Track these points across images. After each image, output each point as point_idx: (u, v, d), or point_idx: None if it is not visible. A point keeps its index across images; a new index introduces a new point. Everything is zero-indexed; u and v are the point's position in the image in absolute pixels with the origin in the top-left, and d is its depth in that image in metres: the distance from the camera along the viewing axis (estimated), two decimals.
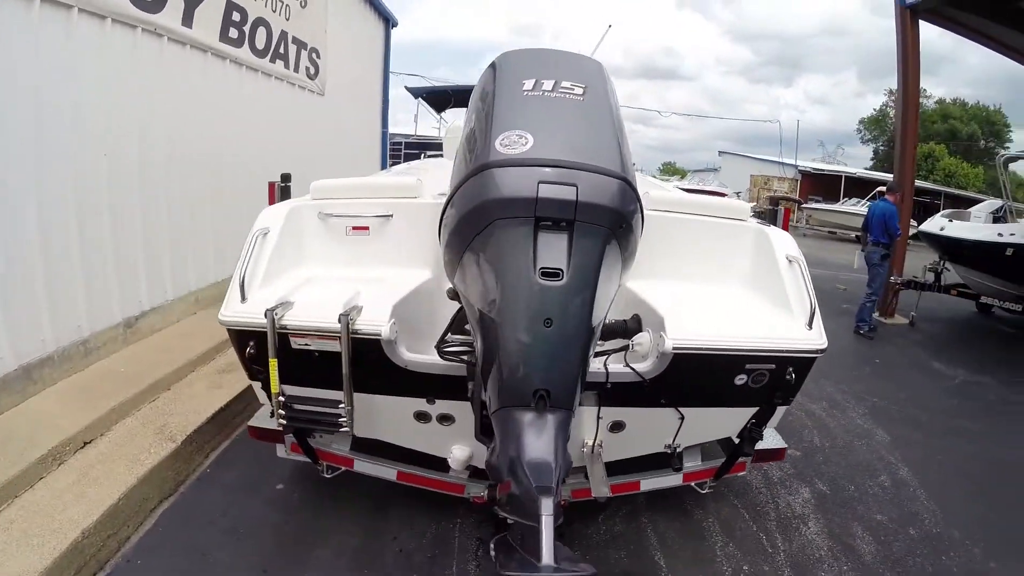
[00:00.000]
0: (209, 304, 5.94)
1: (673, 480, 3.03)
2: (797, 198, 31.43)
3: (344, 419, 2.52)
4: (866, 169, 40.88)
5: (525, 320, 1.70)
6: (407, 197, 3.22)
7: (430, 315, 2.87)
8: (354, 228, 3.15)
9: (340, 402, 2.49)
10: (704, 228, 3.20)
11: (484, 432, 2.34)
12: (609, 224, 1.79)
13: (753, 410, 2.69)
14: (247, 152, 6.65)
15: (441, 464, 2.94)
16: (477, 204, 1.80)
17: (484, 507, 3.09)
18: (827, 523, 3.61)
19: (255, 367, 2.55)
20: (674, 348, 2.32)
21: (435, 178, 3.42)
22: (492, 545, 1.85)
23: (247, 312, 2.49)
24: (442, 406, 2.68)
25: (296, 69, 7.93)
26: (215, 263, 6.22)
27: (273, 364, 2.39)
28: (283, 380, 2.46)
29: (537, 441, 1.67)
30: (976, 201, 12.97)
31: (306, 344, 2.45)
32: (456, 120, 3.63)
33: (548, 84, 2.01)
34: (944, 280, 9.37)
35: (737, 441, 2.84)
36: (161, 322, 5.40)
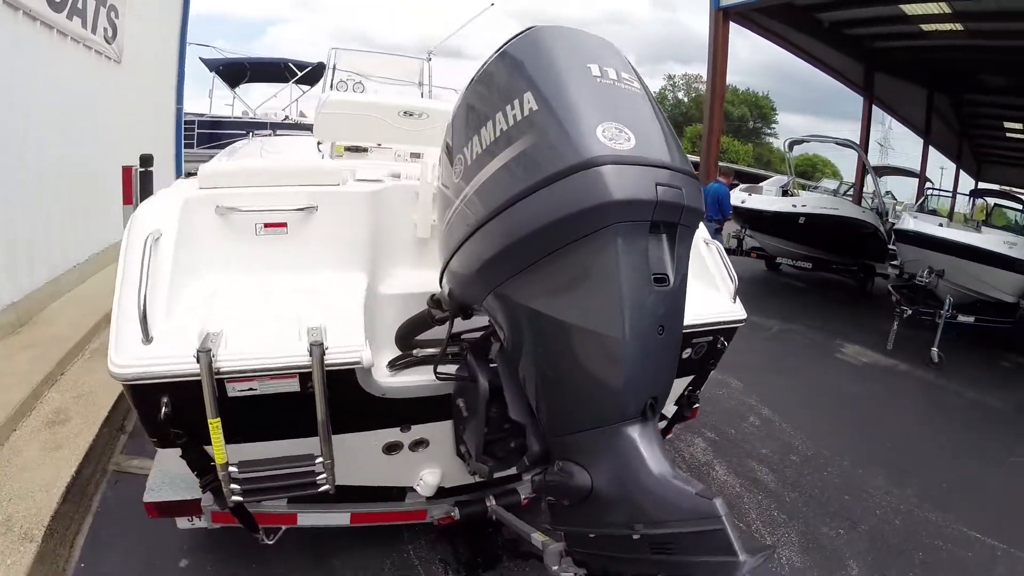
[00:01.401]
0: (3, 334, 4.66)
1: None
2: None
3: (323, 475, 2.06)
4: None
5: (642, 328, 1.56)
6: (330, 184, 2.62)
7: (383, 328, 2.47)
8: (267, 225, 2.47)
9: (312, 455, 2.05)
10: None
11: (487, 451, 2.23)
12: (694, 226, 1.73)
13: (690, 378, 2.90)
14: (30, 133, 5.02)
15: (392, 494, 2.69)
16: (591, 205, 1.50)
17: (449, 527, 2.86)
18: (728, 464, 4.31)
19: (174, 431, 1.96)
20: None
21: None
22: None
23: (157, 357, 1.87)
24: (417, 431, 2.39)
25: (94, 30, 6.36)
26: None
27: (216, 425, 1.87)
28: (208, 439, 1.95)
29: (655, 451, 1.60)
30: (761, 177, 15.35)
31: (250, 389, 1.96)
32: (333, 94, 3.03)
33: (611, 72, 1.72)
34: (745, 245, 10.99)
35: (676, 407, 2.99)
36: None
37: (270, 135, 7.25)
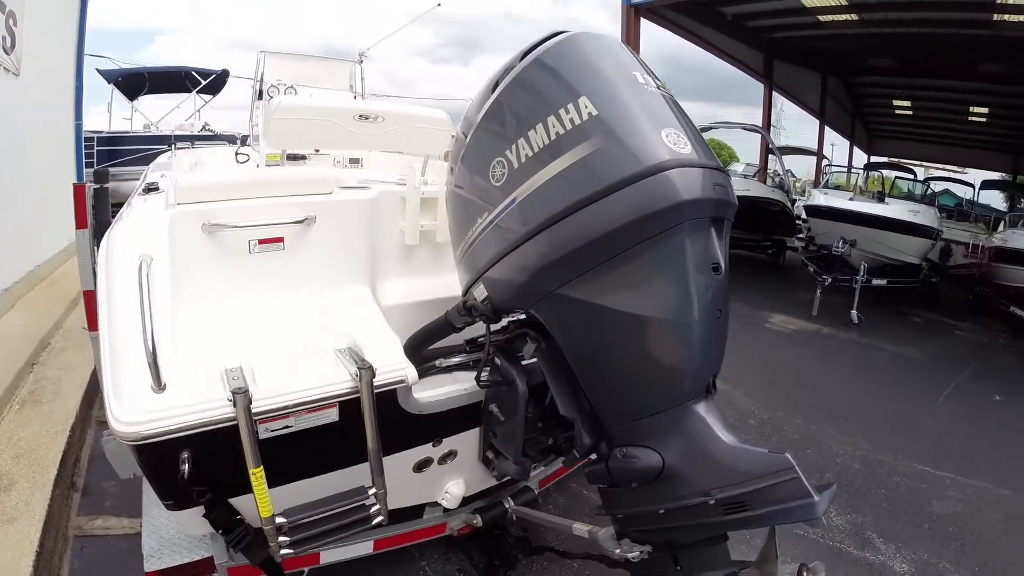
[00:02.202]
0: None
1: None
2: None
3: (376, 506, 1.93)
4: None
5: (707, 313, 1.67)
6: (323, 193, 2.46)
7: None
8: (262, 241, 2.28)
9: (364, 488, 1.92)
10: None
11: (525, 453, 2.22)
12: (732, 219, 1.81)
13: None
14: None
15: (408, 512, 2.57)
16: (667, 205, 1.57)
17: (471, 536, 2.90)
18: None
19: (197, 489, 1.75)
20: None
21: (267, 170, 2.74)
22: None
23: (177, 406, 1.65)
24: (447, 444, 2.31)
25: None
26: None
27: (260, 476, 1.68)
28: (238, 489, 1.81)
29: (721, 422, 1.72)
30: None
31: (284, 428, 1.80)
32: (284, 99, 2.83)
33: (650, 80, 1.79)
34: None
35: None
36: None
37: (188, 147, 6.78)
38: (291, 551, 1.80)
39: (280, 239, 2.29)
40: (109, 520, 3.14)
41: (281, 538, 1.79)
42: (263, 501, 1.70)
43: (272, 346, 1.95)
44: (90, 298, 2.53)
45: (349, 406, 1.83)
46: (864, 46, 14.98)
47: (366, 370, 1.80)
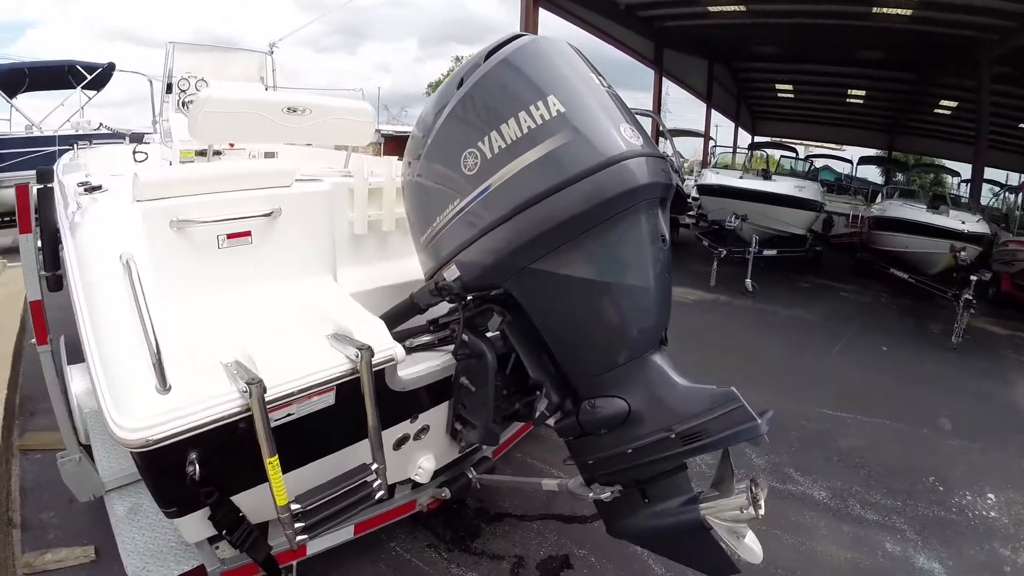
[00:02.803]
0: None
1: None
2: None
3: (378, 482, 2.00)
4: None
5: (659, 277, 1.94)
6: (283, 186, 2.47)
7: None
8: (230, 235, 2.27)
9: (366, 465, 2.01)
10: None
11: (505, 417, 2.45)
12: (670, 198, 2.09)
13: None
14: None
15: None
16: (628, 188, 1.82)
17: (435, 512, 3.02)
18: None
19: (205, 490, 1.76)
20: None
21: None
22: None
23: (187, 405, 1.64)
24: (422, 419, 2.43)
25: None
26: None
27: (275, 464, 1.72)
28: (240, 485, 1.85)
29: (674, 368, 1.99)
30: None
31: (288, 416, 1.85)
32: (214, 91, 2.77)
33: (603, 81, 2.03)
34: None
35: None
36: None
37: (87, 147, 6.30)
38: (306, 536, 1.85)
39: (248, 233, 2.30)
40: (59, 552, 2.91)
41: (296, 524, 1.82)
42: (279, 489, 1.73)
43: (260, 337, 1.97)
44: (38, 309, 2.40)
45: (345, 388, 1.92)
46: (750, 35, 16.08)
47: (366, 350, 1.88)
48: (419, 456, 2.54)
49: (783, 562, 3.01)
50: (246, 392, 1.66)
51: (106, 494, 2.69)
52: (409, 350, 2.40)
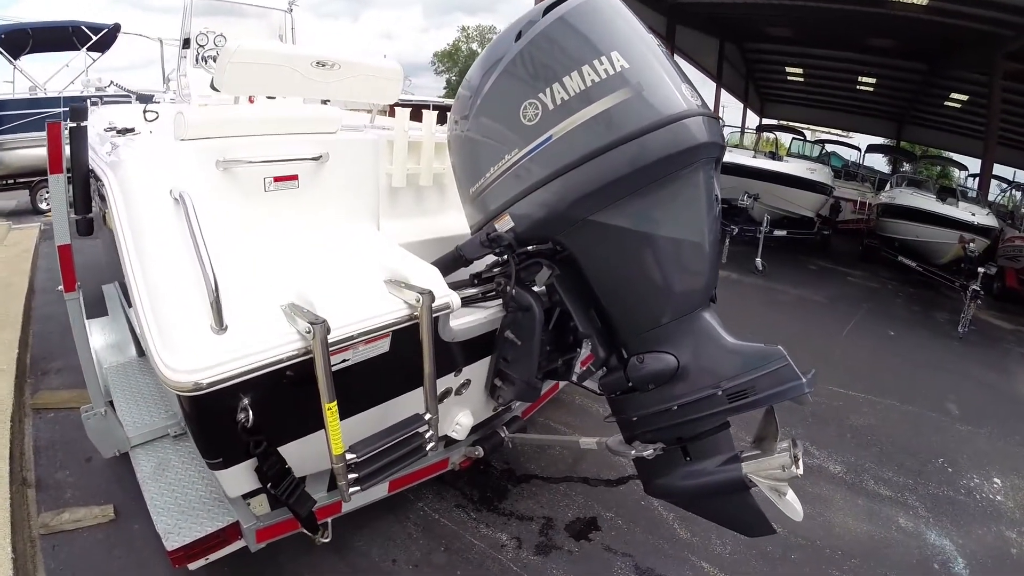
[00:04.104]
0: None
1: None
2: None
3: (430, 432, 2.00)
4: (439, 97, 49.48)
5: (712, 235, 2.00)
6: (328, 132, 2.44)
7: None
8: (277, 179, 2.25)
9: (419, 415, 2.00)
10: None
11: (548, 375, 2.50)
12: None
13: None
14: None
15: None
16: (690, 146, 1.88)
17: (463, 472, 3.05)
18: None
19: (255, 439, 1.73)
20: None
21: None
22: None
23: (242, 348, 1.59)
24: (465, 373, 2.45)
25: None
26: None
27: (333, 410, 1.69)
28: (289, 435, 1.83)
29: (722, 325, 2.04)
30: None
31: (343, 361, 1.82)
32: (244, 42, 2.66)
33: (657, 41, 2.07)
34: None
35: None
36: None
37: (96, 107, 6.19)
38: (358, 488, 1.85)
39: (295, 176, 2.28)
40: (77, 511, 2.87)
41: (353, 475, 1.82)
42: (336, 437, 1.71)
43: (313, 281, 1.95)
44: (67, 254, 2.32)
45: (401, 335, 1.92)
46: (762, 15, 15.85)
47: (427, 294, 1.89)
48: (457, 412, 2.56)
49: (801, 531, 3.07)
50: (309, 332, 1.64)
51: (131, 450, 2.64)
52: (480, 299, 2.46)
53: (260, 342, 1.63)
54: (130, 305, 1.97)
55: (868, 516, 3.35)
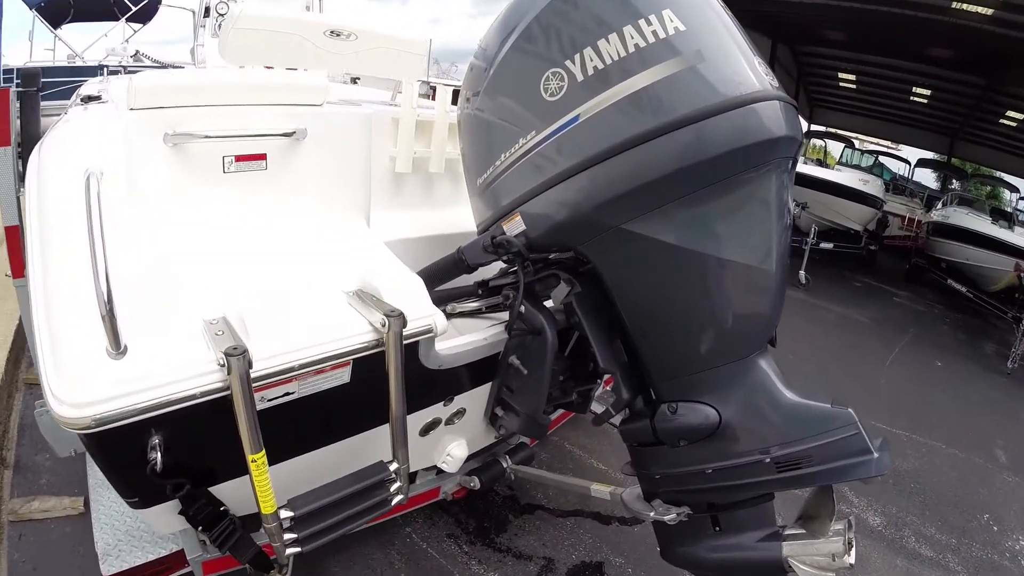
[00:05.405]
0: None
1: None
2: None
3: (397, 484, 1.67)
4: None
5: (782, 260, 1.57)
6: (312, 104, 2.06)
7: None
8: (240, 158, 1.87)
9: (383, 463, 1.67)
10: None
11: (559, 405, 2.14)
12: None
13: None
14: None
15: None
16: (765, 138, 1.42)
17: (460, 501, 2.78)
18: None
19: (172, 482, 1.38)
20: None
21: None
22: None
23: (142, 377, 1.25)
24: (457, 402, 2.06)
25: None
26: None
27: (261, 462, 1.34)
28: (223, 475, 1.48)
29: (781, 375, 1.64)
30: None
31: (285, 395, 1.46)
32: (247, 6, 2.34)
33: (723, 5, 1.59)
34: None
35: None
36: None
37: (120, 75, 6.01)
38: (298, 549, 1.52)
39: (262, 156, 1.93)
40: (48, 501, 2.73)
41: (287, 535, 1.49)
42: (265, 494, 1.38)
43: (262, 289, 1.61)
44: (14, 235, 2.04)
45: (365, 363, 1.55)
46: (818, 17, 15.15)
47: (396, 317, 1.50)
48: (449, 442, 2.20)
49: None
50: (224, 366, 1.28)
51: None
52: (451, 316, 2.05)
53: (168, 371, 1.28)
54: None
55: None
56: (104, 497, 2.08)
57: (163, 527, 1.69)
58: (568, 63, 1.51)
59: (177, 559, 1.87)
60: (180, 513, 1.50)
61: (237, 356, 1.27)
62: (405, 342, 1.56)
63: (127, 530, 1.92)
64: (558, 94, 1.52)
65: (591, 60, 1.47)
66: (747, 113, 1.40)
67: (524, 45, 1.63)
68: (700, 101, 1.39)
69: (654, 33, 1.43)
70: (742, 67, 1.45)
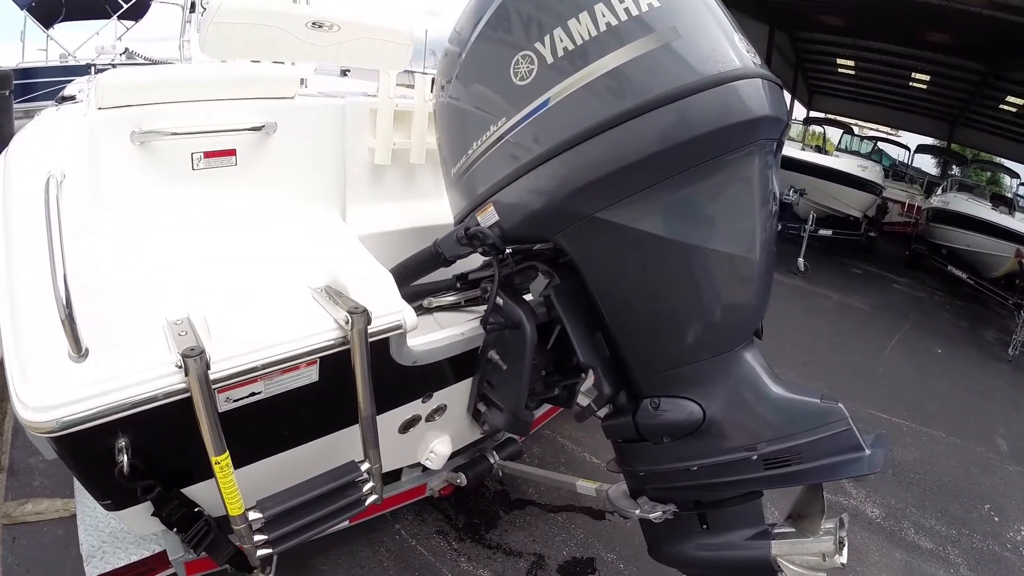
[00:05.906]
0: None
1: None
2: None
3: (370, 484, 1.65)
4: None
5: (765, 247, 1.50)
6: (283, 97, 2.04)
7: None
8: (209, 154, 1.87)
9: (354, 463, 1.63)
10: None
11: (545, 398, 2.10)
12: None
13: None
14: None
15: (387, 476, 2.29)
16: (747, 119, 1.35)
17: (448, 497, 2.75)
18: None
19: (142, 484, 1.37)
20: None
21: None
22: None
23: (108, 378, 1.25)
24: (437, 398, 2.02)
25: None
26: None
27: (226, 463, 1.33)
28: (196, 476, 1.47)
29: (768, 368, 1.58)
30: None
31: (251, 395, 1.43)
32: (226, 1, 2.31)
33: None
34: None
35: None
36: None
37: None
38: (269, 551, 1.49)
39: (232, 151, 1.91)
40: (40, 503, 2.72)
41: (257, 536, 1.46)
42: (231, 496, 1.36)
43: (228, 287, 1.59)
44: None
45: (332, 361, 1.52)
46: (816, 2, 15.02)
47: (359, 314, 1.46)
48: (432, 439, 2.17)
49: None
50: (181, 367, 1.27)
51: None
52: (427, 310, 2.02)
53: (129, 373, 1.28)
54: None
55: (906, 574, 2.94)
56: (88, 499, 2.06)
57: (140, 528, 1.69)
58: (538, 45, 1.45)
59: (160, 560, 1.86)
60: (154, 515, 1.49)
61: (194, 357, 1.26)
62: (373, 339, 1.52)
63: (111, 532, 1.91)
64: (527, 78, 1.47)
65: (561, 41, 1.41)
66: (726, 92, 1.34)
67: (494, 27, 1.57)
68: (676, 80, 1.33)
69: (626, 10, 1.36)
70: (721, 44, 1.39)
